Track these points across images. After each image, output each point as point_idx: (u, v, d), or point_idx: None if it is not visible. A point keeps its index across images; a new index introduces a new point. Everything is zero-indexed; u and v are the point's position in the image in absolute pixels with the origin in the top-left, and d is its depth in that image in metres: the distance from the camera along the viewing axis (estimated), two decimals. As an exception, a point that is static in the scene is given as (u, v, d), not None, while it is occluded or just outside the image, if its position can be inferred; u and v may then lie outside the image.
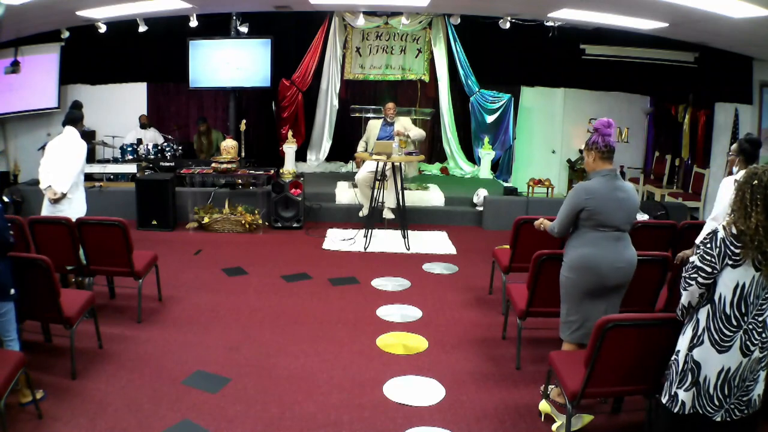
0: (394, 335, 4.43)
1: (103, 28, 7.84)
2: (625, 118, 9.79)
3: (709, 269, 2.45)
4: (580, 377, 2.89)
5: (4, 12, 5.41)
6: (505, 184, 8.80)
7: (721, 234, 2.44)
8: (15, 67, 8.19)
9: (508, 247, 4.88)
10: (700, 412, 2.54)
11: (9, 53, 8.11)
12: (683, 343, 2.59)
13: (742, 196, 2.41)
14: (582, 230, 3.29)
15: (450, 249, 6.76)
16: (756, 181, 2.38)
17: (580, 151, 9.62)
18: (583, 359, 2.91)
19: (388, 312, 4.88)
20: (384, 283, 5.56)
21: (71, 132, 4.89)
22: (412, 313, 4.88)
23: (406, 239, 6.73)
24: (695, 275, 2.49)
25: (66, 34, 8.25)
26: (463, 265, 6.16)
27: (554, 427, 3.24)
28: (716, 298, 2.46)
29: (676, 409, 2.58)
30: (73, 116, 4.95)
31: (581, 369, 2.90)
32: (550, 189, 8.79)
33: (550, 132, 10.20)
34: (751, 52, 7.16)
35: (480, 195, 7.95)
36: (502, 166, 9.58)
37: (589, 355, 2.83)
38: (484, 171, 9.46)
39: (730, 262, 2.41)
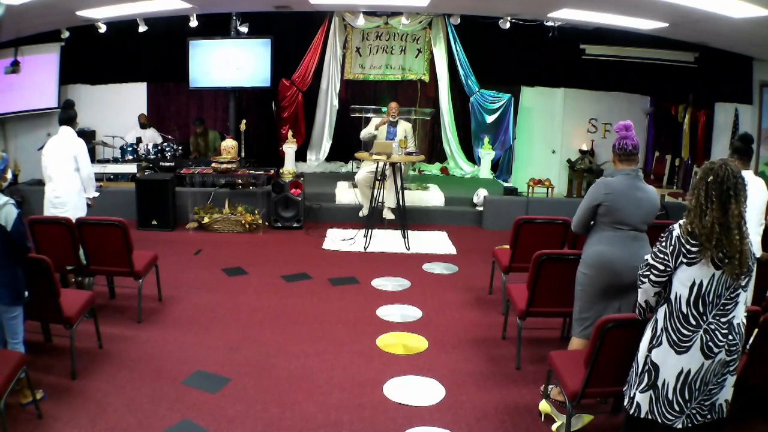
0: (394, 335, 4.43)
1: (103, 28, 7.84)
2: (625, 118, 9.67)
3: (661, 267, 2.44)
4: (580, 377, 2.89)
5: (4, 12, 5.41)
6: (505, 184, 8.81)
7: (677, 232, 2.41)
8: (15, 67, 8.19)
9: (508, 247, 4.88)
10: (659, 420, 2.47)
11: (9, 53, 8.10)
12: (643, 343, 2.55)
13: (697, 195, 2.36)
14: (600, 227, 3.33)
15: (450, 249, 6.76)
16: (711, 178, 2.32)
17: (580, 151, 9.65)
18: (583, 359, 2.91)
19: (388, 312, 4.88)
20: (384, 283, 5.55)
21: (68, 132, 4.88)
22: (412, 313, 4.88)
23: (406, 239, 6.73)
24: (648, 273, 2.48)
25: (66, 34, 8.25)
26: (463, 265, 6.16)
27: (554, 427, 3.24)
28: (672, 297, 2.43)
29: (632, 411, 2.54)
30: (70, 115, 4.93)
31: (581, 369, 2.90)
32: (550, 189, 8.80)
33: (550, 132, 10.20)
34: (751, 52, 7.16)
35: (480, 195, 7.95)
36: (502, 166, 9.58)
37: (589, 355, 2.83)
38: (484, 171, 9.47)
39: (685, 260, 2.38)
